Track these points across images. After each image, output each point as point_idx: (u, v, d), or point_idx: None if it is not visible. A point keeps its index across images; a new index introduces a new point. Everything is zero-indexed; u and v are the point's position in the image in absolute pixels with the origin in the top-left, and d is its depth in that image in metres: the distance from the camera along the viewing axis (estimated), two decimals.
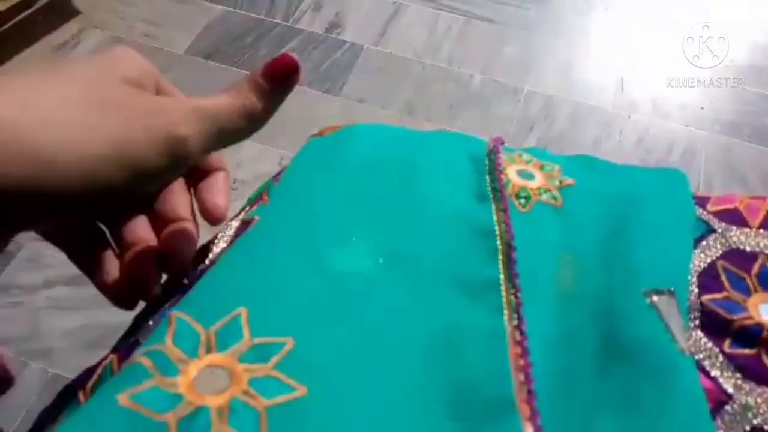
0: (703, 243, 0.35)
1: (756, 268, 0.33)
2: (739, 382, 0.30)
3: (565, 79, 0.99)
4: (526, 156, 0.35)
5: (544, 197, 0.31)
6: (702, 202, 0.38)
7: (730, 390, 0.29)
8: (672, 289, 0.27)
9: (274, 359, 0.22)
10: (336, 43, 1.00)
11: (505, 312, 0.24)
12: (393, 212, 0.29)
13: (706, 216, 0.36)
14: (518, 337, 0.23)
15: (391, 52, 1.00)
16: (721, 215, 0.37)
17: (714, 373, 0.30)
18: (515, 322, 0.23)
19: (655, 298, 0.26)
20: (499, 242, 0.27)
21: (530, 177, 0.33)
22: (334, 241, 0.27)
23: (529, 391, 0.21)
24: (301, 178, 0.31)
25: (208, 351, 0.22)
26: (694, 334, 0.31)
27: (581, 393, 0.24)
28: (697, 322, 0.32)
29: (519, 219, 0.29)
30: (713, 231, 0.35)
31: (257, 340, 0.22)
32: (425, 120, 0.93)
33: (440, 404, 0.21)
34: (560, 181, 0.32)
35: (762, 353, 0.30)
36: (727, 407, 0.29)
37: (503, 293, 0.24)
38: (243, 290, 0.24)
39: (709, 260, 0.34)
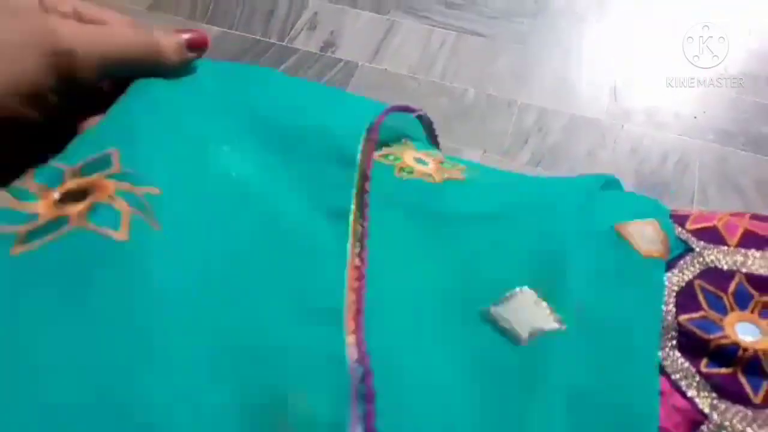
0: (681, 262, 0.35)
1: (732, 286, 0.33)
2: (715, 401, 0.30)
3: (558, 91, 0.99)
4: (435, 153, 0.36)
5: (425, 178, 0.32)
6: (681, 220, 0.38)
7: (706, 410, 0.30)
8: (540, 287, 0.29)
9: (144, 188, 0.21)
10: (331, 62, 1.01)
11: (350, 239, 0.25)
12: (265, 131, 0.29)
13: (684, 235, 0.37)
14: (357, 262, 0.24)
15: (386, 69, 1.01)
16: (699, 233, 0.37)
17: (690, 393, 0.30)
18: (357, 249, 0.25)
19: None
20: (356, 173, 0.27)
21: (423, 163, 0.33)
22: (212, 140, 0.27)
23: (358, 310, 0.22)
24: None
25: (73, 177, 0.21)
26: (671, 354, 0.31)
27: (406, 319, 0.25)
28: (674, 342, 0.32)
29: (389, 175, 0.30)
30: (691, 250, 0.36)
31: (128, 170, 0.22)
32: None
33: (281, 303, 0.22)
34: (449, 175, 0.33)
35: (738, 372, 0.31)
36: (703, 427, 0.29)
37: (351, 222, 0.26)
38: (116, 136, 0.23)
39: (686, 279, 0.34)
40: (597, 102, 0.98)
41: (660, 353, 0.31)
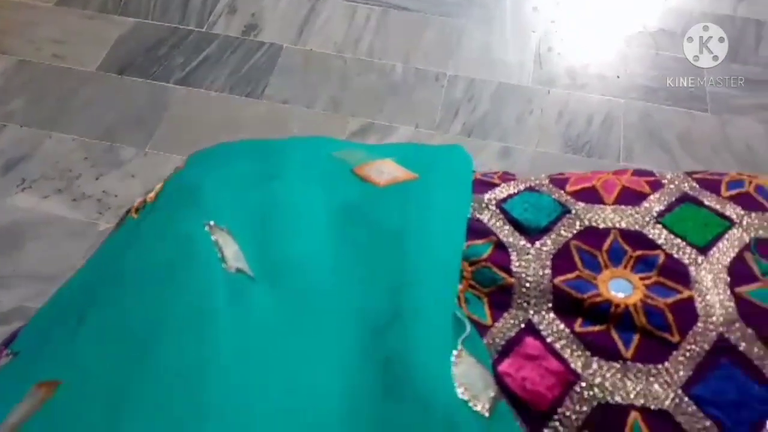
0: (558, 225, 0.36)
1: (607, 244, 0.34)
2: (588, 360, 0.31)
3: (484, 61, 0.99)
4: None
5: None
6: (561, 183, 0.39)
7: (579, 369, 0.30)
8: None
9: None
10: (254, 45, 0.99)
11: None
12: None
13: (564, 198, 0.37)
14: None
15: (311, 50, 0.99)
16: (578, 195, 0.38)
17: (564, 354, 0.31)
18: None
19: None
20: None
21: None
22: None
23: None
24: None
25: None
26: (546, 316, 0.32)
27: None
28: (549, 304, 0.33)
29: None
30: (569, 211, 0.36)
31: None
32: (351, 115, 0.93)
33: None
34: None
35: (610, 328, 0.31)
36: (576, 387, 0.30)
37: None
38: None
39: (562, 241, 0.35)
40: (523, 69, 0.98)
41: (535, 317, 0.31)
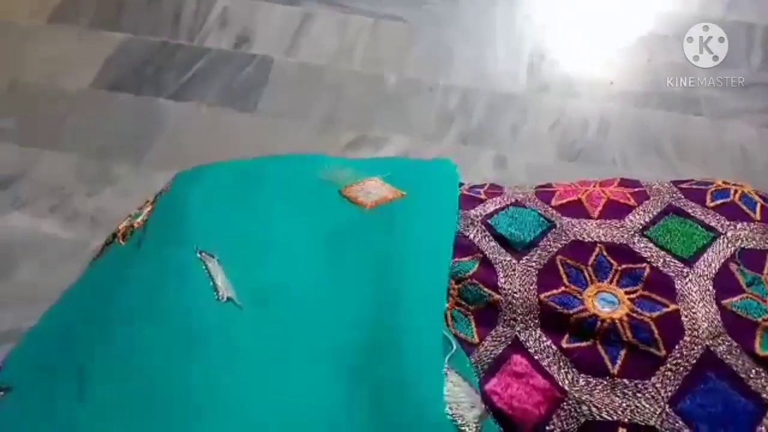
0: (543, 240, 0.35)
1: (592, 258, 0.34)
2: (574, 377, 0.30)
3: (478, 70, 0.99)
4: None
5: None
6: (547, 196, 0.38)
7: (566, 386, 0.30)
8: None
9: None
10: (246, 58, 0.99)
11: None
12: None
13: (549, 212, 0.37)
14: None
15: (304, 62, 1.00)
16: (564, 209, 0.37)
17: (551, 370, 0.31)
18: None
19: None
20: None
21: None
22: None
23: None
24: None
25: None
26: (533, 333, 0.32)
27: None
28: (536, 321, 0.32)
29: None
30: (554, 226, 0.36)
31: None
32: (345, 127, 0.93)
33: None
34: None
35: (597, 343, 0.31)
36: (563, 404, 0.30)
37: None
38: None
39: (548, 256, 0.34)
40: (516, 78, 0.98)
41: (522, 334, 0.31)
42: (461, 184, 0.41)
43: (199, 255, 0.30)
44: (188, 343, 0.27)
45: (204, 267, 0.30)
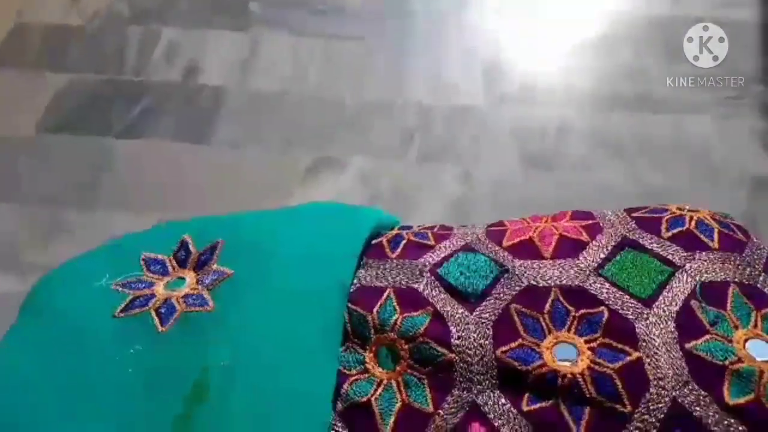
0: (496, 288, 0.33)
1: (548, 305, 0.32)
2: None
3: (434, 83, 0.98)
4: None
5: None
6: (498, 236, 0.36)
7: None
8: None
9: None
10: (196, 89, 0.96)
11: None
12: None
13: (500, 255, 0.35)
14: None
15: (257, 89, 0.97)
16: (515, 250, 0.35)
17: None
18: None
19: None
20: None
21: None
22: None
23: None
24: None
25: None
26: (492, 395, 0.30)
27: None
28: (494, 380, 0.30)
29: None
30: (506, 271, 0.34)
31: None
32: (305, 153, 0.91)
33: None
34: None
35: (559, 403, 0.29)
36: None
37: None
38: None
39: (502, 306, 0.32)
40: (472, 89, 0.97)
41: (480, 398, 0.29)
42: (409, 227, 0.39)
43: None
44: None
45: None
